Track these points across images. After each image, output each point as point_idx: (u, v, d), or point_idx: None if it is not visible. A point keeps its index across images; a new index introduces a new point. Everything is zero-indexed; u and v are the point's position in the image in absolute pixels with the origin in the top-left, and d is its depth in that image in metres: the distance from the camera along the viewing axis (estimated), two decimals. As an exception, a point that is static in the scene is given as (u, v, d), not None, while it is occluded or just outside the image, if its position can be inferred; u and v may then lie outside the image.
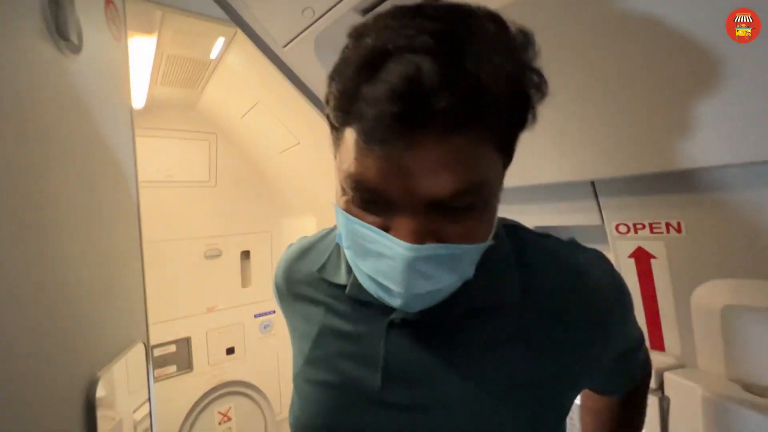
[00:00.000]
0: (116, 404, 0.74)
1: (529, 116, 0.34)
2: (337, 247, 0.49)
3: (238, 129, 1.92)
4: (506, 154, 0.35)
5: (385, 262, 0.33)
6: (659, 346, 0.82)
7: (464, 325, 0.40)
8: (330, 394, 0.43)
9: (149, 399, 0.84)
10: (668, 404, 0.76)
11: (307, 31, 0.88)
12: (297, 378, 0.48)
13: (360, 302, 0.44)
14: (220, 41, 1.28)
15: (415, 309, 0.36)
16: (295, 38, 0.91)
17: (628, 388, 0.53)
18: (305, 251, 0.53)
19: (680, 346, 0.78)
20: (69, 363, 0.56)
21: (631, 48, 0.58)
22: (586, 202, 0.83)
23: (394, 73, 0.28)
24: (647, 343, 0.83)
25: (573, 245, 0.46)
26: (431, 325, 0.41)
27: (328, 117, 0.36)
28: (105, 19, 0.78)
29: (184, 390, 1.94)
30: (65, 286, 0.57)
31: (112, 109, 0.80)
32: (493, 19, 0.31)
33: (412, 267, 0.32)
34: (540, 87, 0.33)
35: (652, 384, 0.77)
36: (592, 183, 0.79)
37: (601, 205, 0.81)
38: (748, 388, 0.68)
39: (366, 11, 0.74)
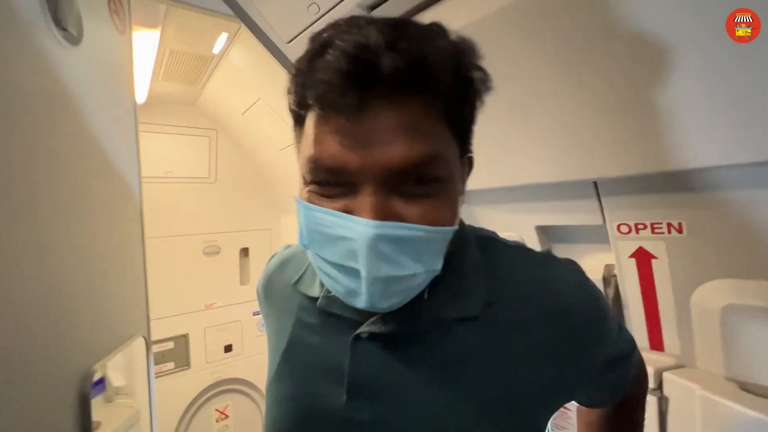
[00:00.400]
0: (113, 397, 0.74)
1: (477, 102, 0.36)
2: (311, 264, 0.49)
3: (239, 126, 1.92)
4: (460, 137, 0.36)
5: (347, 244, 0.33)
6: (659, 346, 0.82)
7: (432, 338, 0.39)
8: (294, 410, 0.43)
9: (149, 393, 0.84)
10: (667, 404, 0.77)
11: (312, 27, 0.88)
12: (267, 390, 0.48)
13: (330, 315, 0.43)
14: (223, 37, 1.28)
15: (382, 307, 0.35)
16: (299, 34, 0.91)
17: (619, 400, 0.52)
18: (285, 262, 0.53)
19: (680, 346, 0.78)
20: (63, 356, 0.56)
21: (633, 48, 0.59)
22: (587, 202, 0.83)
23: (343, 43, 0.31)
24: (647, 343, 0.84)
25: (544, 256, 0.45)
26: (398, 339, 0.40)
27: (291, 113, 0.38)
28: (108, 11, 0.78)
29: (182, 387, 1.94)
30: (60, 280, 0.56)
31: (114, 103, 0.80)
32: (436, 24, 0.35)
33: (374, 247, 0.31)
34: (484, 80, 0.36)
35: (651, 383, 0.77)
36: (594, 183, 0.80)
37: (603, 205, 0.81)
38: (746, 388, 0.69)
39: (372, 8, 0.74)
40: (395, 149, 0.31)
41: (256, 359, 2.16)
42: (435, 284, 0.38)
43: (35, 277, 0.51)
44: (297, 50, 0.98)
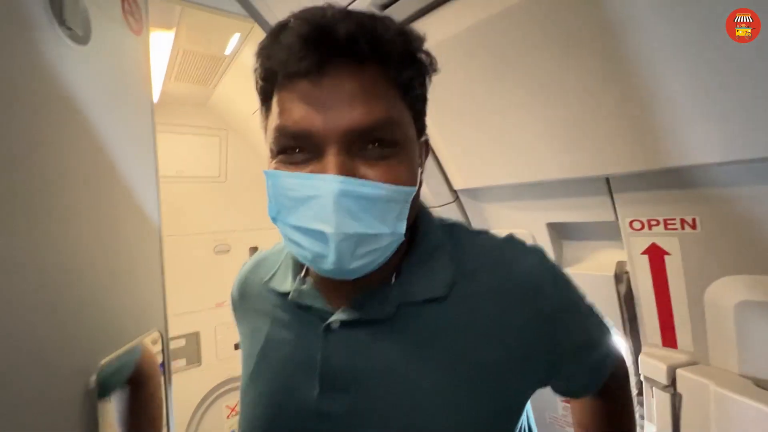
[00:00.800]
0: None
1: (426, 80, 0.40)
2: (286, 257, 0.49)
3: (249, 126, 1.94)
4: (413, 111, 0.39)
5: (314, 202, 0.34)
6: (672, 342, 0.82)
7: (402, 322, 0.40)
8: (268, 406, 0.43)
9: (166, 389, 0.85)
10: (680, 401, 0.76)
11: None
12: (240, 397, 0.48)
13: (301, 308, 0.44)
14: (236, 37, 1.30)
15: (349, 268, 0.36)
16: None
17: (597, 388, 0.51)
18: (258, 264, 0.55)
19: (693, 342, 0.78)
20: (70, 351, 0.56)
21: (645, 43, 0.59)
22: (599, 198, 0.83)
23: (303, 17, 0.34)
24: (660, 340, 0.83)
25: (510, 239, 0.46)
26: (369, 325, 0.40)
27: (259, 91, 0.41)
28: (122, 11, 0.80)
29: (193, 383, 1.96)
30: (72, 276, 0.57)
31: (129, 103, 0.82)
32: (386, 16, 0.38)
33: (340, 203, 0.33)
34: (431, 63, 0.40)
35: (664, 380, 0.77)
36: (607, 179, 0.80)
37: (615, 201, 0.81)
38: (760, 384, 0.68)
39: (385, 6, 0.75)
40: (356, 111, 0.34)
41: (265, 357, 2.18)
42: (402, 269, 0.41)
43: (45, 275, 0.52)
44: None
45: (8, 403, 0.45)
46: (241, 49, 1.36)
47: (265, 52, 0.37)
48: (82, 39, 0.63)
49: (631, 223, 0.80)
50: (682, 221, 0.73)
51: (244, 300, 0.53)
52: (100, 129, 0.67)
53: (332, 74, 0.34)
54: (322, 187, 0.33)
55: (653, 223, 0.77)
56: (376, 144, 0.35)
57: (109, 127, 0.70)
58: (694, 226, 0.72)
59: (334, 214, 0.33)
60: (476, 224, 1.19)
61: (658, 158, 0.67)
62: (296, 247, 0.37)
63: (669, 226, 0.75)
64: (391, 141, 0.36)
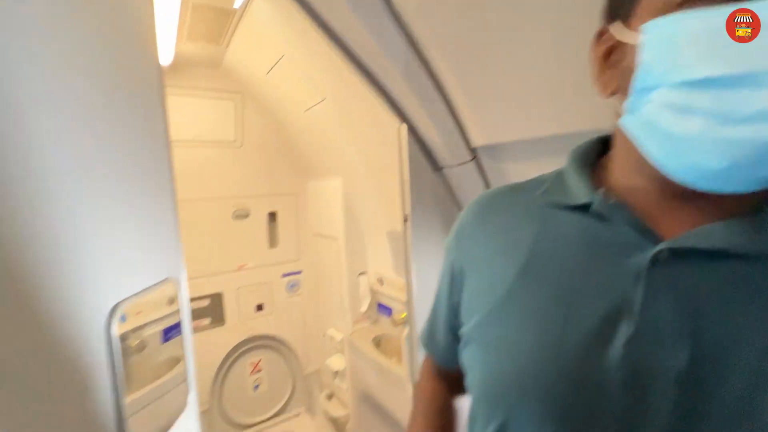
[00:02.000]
0: (145, 338, 0.77)
1: None
2: (559, 175, 0.41)
3: (263, 88, 1.90)
4: None
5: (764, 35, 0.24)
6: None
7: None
8: (547, 346, 0.34)
9: (184, 337, 0.88)
10: None
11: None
12: (480, 328, 0.41)
13: (603, 226, 0.35)
14: (244, -12, 1.24)
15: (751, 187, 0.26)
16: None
17: None
18: (509, 188, 0.47)
19: None
20: (89, 293, 0.57)
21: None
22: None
23: None
24: None
25: None
26: (716, 261, 0.30)
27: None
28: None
29: (218, 341, 2.06)
30: (87, 226, 0.58)
31: (133, 62, 0.79)
32: None
33: None
34: None
35: None
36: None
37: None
38: None
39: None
40: None
41: (285, 319, 2.26)
42: None
43: (59, 226, 0.52)
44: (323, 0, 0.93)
45: (28, 339, 0.47)
46: (251, 2, 1.31)
47: None
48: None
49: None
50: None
51: (488, 219, 0.45)
52: (101, 88, 0.64)
53: None
54: None
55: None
56: None
57: (111, 88, 0.67)
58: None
59: None
60: (496, 186, 1.13)
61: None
62: (701, 120, 0.27)
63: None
64: None
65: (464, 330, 0.45)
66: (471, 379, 0.44)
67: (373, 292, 1.91)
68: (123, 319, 0.66)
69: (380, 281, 1.85)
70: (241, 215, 2.12)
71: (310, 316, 2.32)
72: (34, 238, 0.49)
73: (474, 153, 1.08)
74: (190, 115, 1.89)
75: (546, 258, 0.38)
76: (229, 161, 2.05)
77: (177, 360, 0.94)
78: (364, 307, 1.92)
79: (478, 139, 1.00)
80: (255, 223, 2.16)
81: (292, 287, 2.30)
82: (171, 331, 0.89)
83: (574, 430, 0.33)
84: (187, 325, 0.90)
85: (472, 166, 1.11)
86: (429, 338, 0.60)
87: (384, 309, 1.87)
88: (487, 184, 1.13)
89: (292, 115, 1.93)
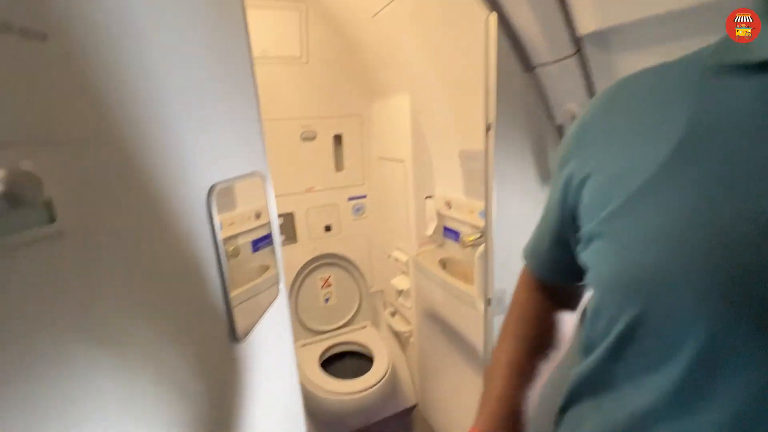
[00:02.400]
0: (238, 246, 0.82)
1: None
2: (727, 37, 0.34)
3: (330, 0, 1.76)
4: None
5: None
6: None
7: None
8: (708, 231, 0.31)
9: (271, 224, 0.93)
10: None
11: None
12: (610, 220, 0.38)
13: None
14: None
15: None
16: None
17: None
18: (652, 68, 0.41)
19: None
20: (189, 173, 0.61)
21: None
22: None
23: None
24: None
25: None
26: None
27: None
28: None
29: (291, 257, 2.22)
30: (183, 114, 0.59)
31: None
32: None
33: None
34: None
35: None
36: None
37: None
38: None
39: None
40: None
41: (351, 240, 2.34)
42: None
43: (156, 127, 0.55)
44: None
45: (138, 211, 0.50)
46: None
47: None
48: None
49: None
50: None
51: (624, 100, 0.42)
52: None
53: None
54: None
55: None
56: None
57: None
58: None
59: None
60: (601, 86, 0.96)
61: None
62: None
63: None
64: None
65: (586, 229, 0.42)
66: (595, 273, 0.42)
67: (440, 216, 1.87)
68: (219, 227, 0.70)
69: (448, 204, 1.80)
70: (309, 137, 2.12)
71: (375, 238, 2.38)
72: (158, 125, 0.53)
73: (578, 44, 0.90)
74: (253, 29, 1.83)
75: (711, 133, 0.33)
76: (295, 79, 2.00)
77: (266, 267, 1.02)
78: (430, 231, 1.91)
79: (589, 23, 0.83)
80: (322, 146, 2.16)
81: (358, 211, 2.34)
82: (259, 243, 0.96)
83: (730, 321, 0.31)
84: (276, 236, 0.96)
85: (572, 62, 0.94)
86: (532, 251, 0.60)
87: (450, 233, 1.84)
88: (589, 85, 0.96)
89: (359, 23, 1.78)
